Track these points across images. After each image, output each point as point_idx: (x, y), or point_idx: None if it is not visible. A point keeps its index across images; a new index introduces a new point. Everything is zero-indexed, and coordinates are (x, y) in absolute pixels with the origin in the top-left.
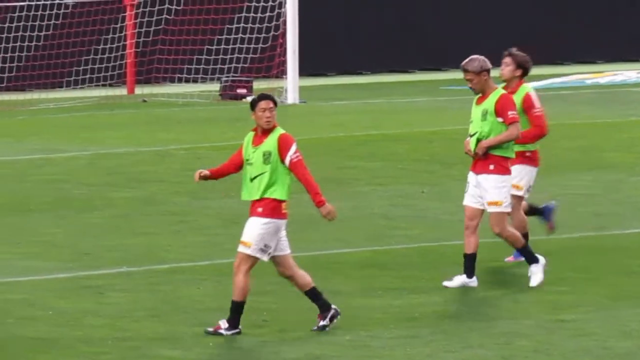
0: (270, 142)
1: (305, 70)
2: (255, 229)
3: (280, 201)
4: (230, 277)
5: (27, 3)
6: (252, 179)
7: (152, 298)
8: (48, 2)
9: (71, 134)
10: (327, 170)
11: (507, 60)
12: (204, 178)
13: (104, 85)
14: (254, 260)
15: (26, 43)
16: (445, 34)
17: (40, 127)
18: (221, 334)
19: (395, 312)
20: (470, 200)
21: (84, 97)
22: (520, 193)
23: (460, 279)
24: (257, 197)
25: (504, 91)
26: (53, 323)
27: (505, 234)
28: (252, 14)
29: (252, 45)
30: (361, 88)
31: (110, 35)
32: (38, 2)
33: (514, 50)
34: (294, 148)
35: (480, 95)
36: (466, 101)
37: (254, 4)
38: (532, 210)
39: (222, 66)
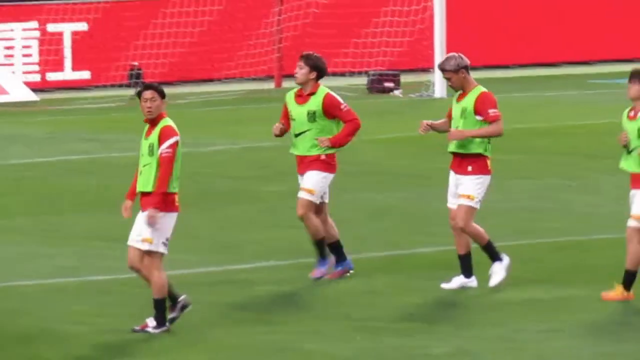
0: (155, 134)
1: None
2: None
3: (170, 194)
4: (373, 273)
5: None
6: (140, 171)
7: (298, 291)
8: None
9: (218, 128)
10: None
11: (301, 63)
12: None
13: (252, 79)
14: (160, 255)
15: (179, 39)
16: (593, 28)
17: (187, 120)
18: (148, 332)
19: (542, 306)
20: (452, 201)
21: (230, 90)
22: (313, 198)
23: (458, 280)
24: (149, 190)
25: (483, 89)
26: (205, 317)
27: (469, 229)
28: (398, 7)
29: (398, 39)
30: (509, 82)
31: (261, 30)
32: None
33: (307, 53)
34: (168, 143)
35: (460, 92)
36: (615, 95)
37: None
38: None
39: (369, 59)
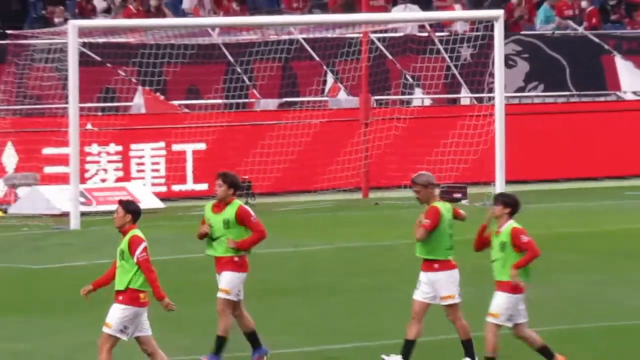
0: (124, 242)
1: (510, 176)
2: (116, 314)
3: (139, 291)
4: None
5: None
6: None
7: None
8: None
9: (317, 231)
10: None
11: (219, 181)
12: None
13: (343, 191)
14: (114, 339)
15: (282, 157)
16: (627, 146)
17: (290, 224)
18: None
19: None
20: (419, 295)
21: (325, 200)
22: (230, 297)
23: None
24: (121, 288)
25: (436, 204)
26: None
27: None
28: (465, 130)
29: (464, 157)
30: (556, 193)
31: (348, 149)
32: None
33: (224, 172)
34: (140, 248)
35: (425, 204)
36: None
37: (466, 122)
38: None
39: (440, 174)
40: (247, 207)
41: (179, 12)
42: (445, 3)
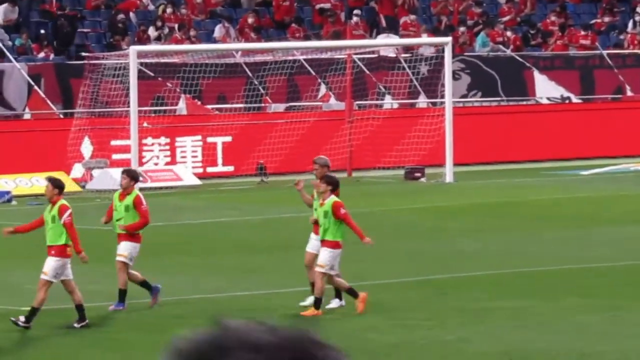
0: (55, 209)
1: (457, 160)
2: (50, 264)
3: (66, 245)
4: None
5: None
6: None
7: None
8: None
9: None
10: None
11: (123, 175)
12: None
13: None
14: (50, 283)
15: (287, 144)
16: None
17: (292, 196)
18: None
19: None
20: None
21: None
22: (126, 260)
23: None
24: (53, 244)
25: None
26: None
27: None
28: (423, 127)
29: (422, 146)
30: (490, 172)
31: (336, 139)
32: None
33: (127, 169)
34: (67, 213)
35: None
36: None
37: (424, 120)
38: (143, 283)
39: (405, 158)
40: (141, 196)
41: (211, 40)
42: (413, 30)
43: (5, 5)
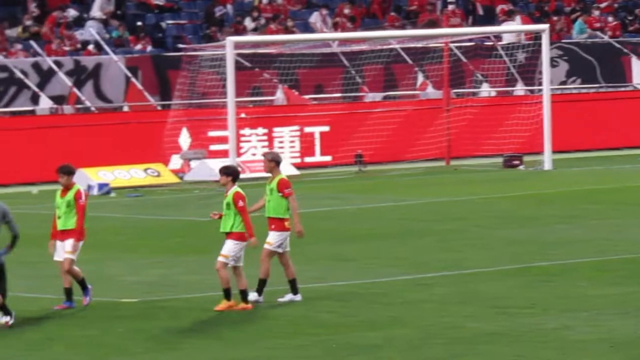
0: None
1: (555, 148)
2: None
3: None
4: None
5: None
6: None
7: (460, 293)
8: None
9: (411, 190)
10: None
11: (61, 174)
12: None
13: (430, 160)
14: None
15: (384, 133)
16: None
17: (391, 185)
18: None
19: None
20: None
21: (416, 167)
22: (72, 257)
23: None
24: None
25: (283, 176)
26: (402, 309)
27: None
28: (521, 114)
29: (520, 134)
30: (589, 159)
31: (433, 128)
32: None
33: (63, 165)
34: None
35: (270, 176)
36: None
37: (522, 108)
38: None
39: (503, 146)
40: (82, 191)
41: (307, 29)
42: (511, 18)
43: None
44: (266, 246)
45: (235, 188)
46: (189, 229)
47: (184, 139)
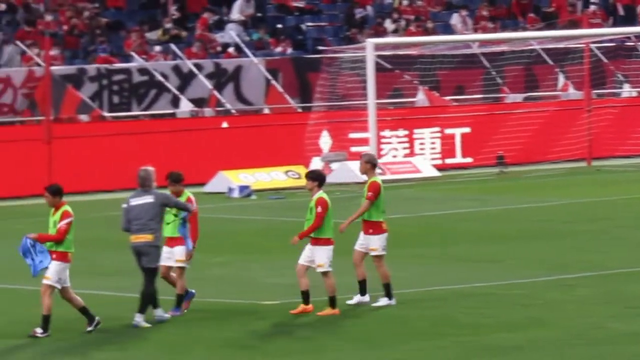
0: (58, 214)
1: None
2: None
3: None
4: None
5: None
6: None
7: (602, 294)
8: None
9: (553, 190)
10: None
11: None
12: None
13: (571, 161)
14: (52, 288)
15: (522, 135)
16: None
17: (531, 186)
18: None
19: None
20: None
21: (558, 167)
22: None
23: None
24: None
25: (377, 179)
26: (543, 310)
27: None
28: None
29: None
30: None
31: (575, 129)
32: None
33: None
34: (65, 221)
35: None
36: None
37: None
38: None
39: None
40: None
41: (447, 31)
42: None
43: (240, 0)
44: (372, 253)
45: (320, 193)
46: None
47: (325, 141)
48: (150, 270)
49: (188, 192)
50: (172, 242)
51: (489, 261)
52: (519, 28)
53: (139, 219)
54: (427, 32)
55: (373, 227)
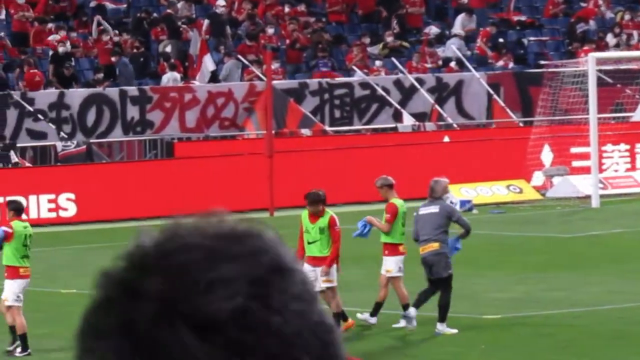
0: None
1: None
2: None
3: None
4: None
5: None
6: None
7: None
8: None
9: None
10: None
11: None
12: None
13: None
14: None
15: None
16: None
17: None
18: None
19: None
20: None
21: None
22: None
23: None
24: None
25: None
26: None
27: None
28: None
29: None
30: None
31: None
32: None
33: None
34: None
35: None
36: None
37: None
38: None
39: None
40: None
41: None
42: None
43: (462, 15)
44: (387, 274)
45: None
46: (551, 246)
47: (546, 156)
48: (441, 280)
49: (330, 212)
50: (316, 261)
51: None
52: None
53: (424, 228)
54: None
55: (389, 249)
